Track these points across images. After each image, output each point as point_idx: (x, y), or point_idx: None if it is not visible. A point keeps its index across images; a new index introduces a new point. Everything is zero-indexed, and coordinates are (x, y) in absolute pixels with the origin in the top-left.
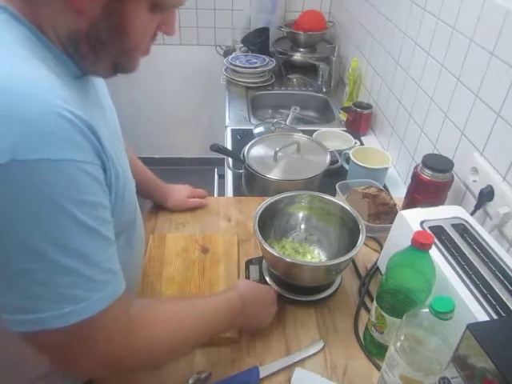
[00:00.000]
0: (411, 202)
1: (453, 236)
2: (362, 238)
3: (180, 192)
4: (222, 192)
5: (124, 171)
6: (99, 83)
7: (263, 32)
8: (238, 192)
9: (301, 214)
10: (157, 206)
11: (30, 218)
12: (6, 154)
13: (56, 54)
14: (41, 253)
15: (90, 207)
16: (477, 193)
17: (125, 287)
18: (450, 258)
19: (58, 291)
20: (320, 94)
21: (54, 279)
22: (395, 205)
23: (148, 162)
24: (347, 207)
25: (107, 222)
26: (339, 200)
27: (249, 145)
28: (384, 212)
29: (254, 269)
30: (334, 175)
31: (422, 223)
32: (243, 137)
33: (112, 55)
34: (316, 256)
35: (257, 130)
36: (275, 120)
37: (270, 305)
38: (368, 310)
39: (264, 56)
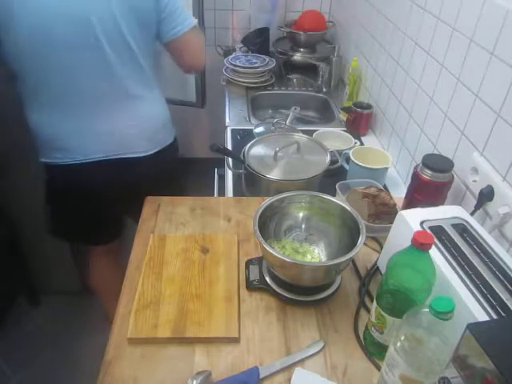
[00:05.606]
0: (411, 202)
1: (453, 236)
2: (362, 238)
3: None
4: (222, 192)
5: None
6: None
7: (263, 32)
8: (238, 192)
9: (301, 214)
10: (157, 206)
11: None
12: None
13: None
14: None
15: None
16: (477, 193)
17: None
18: (450, 258)
19: None
20: (320, 94)
21: None
22: (395, 205)
23: None
24: (347, 207)
25: None
26: (339, 200)
27: (249, 145)
28: (384, 212)
29: (253, 269)
30: (334, 175)
31: (421, 223)
32: (243, 137)
33: None
34: (316, 256)
35: (257, 130)
36: (275, 120)
37: None
38: (368, 310)
39: (264, 56)
